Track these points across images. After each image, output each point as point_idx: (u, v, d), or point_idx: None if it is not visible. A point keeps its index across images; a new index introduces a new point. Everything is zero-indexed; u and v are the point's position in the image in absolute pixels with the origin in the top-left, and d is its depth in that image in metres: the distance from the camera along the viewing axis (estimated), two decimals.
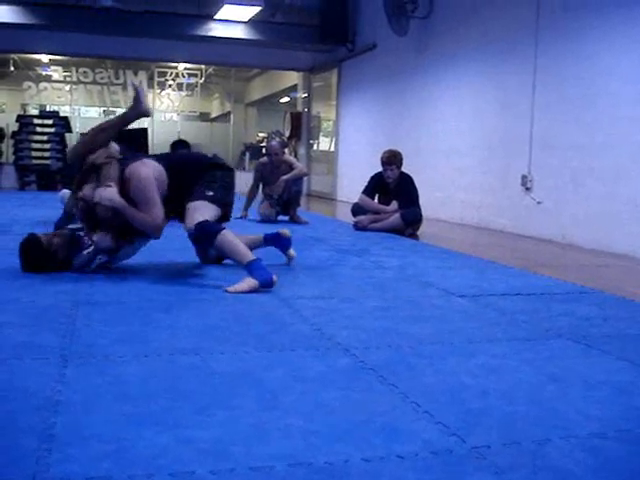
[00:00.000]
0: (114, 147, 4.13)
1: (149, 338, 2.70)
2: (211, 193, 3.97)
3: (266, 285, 3.68)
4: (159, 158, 4.16)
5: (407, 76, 10.26)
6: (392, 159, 6.96)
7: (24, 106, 16.43)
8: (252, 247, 4.16)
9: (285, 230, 4.53)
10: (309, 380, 2.23)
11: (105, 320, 2.96)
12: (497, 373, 2.39)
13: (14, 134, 13.09)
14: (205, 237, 3.87)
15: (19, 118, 13.37)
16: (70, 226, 4.17)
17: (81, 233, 3.97)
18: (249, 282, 3.67)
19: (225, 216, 4.18)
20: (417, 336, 2.86)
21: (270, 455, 1.67)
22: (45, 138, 13.21)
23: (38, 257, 3.91)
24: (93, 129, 4.17)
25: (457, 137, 8.82)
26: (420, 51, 9.83)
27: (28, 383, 2.12)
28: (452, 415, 1.97)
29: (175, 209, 4.04)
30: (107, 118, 12.80)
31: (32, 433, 1.74)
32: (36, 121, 13.53)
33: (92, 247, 3.93)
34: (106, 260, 4.01)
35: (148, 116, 4.38)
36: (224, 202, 4.08)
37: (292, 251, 4.56)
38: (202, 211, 3.88)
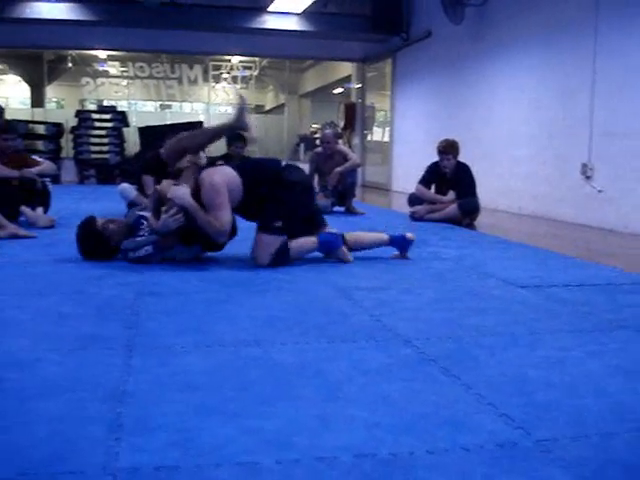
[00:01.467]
0: (202, 155, 4.33)
1: (211, 329, 2.73)
2: (279, 224, 4.10)
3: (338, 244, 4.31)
4: (239, 168, 4.21)
5: (463, 64, 10.14)
6: (448, 148, 6.89)
7: (82, 101, 16.77)
8: (375, 245, 4.52)
9: (410, 234, 4.59)
10: (371, 371, 2.23)
11: (168, 311, 3.01)
12: (561, 365, 2.35)
13: (73, 129, 13.32)
14: (281, 261, 4.14)
15: (78, 113, 13.59)
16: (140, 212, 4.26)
17: (144, 220, 4.05)
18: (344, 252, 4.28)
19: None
20: (478, 327, 2.83)
21: (334, 446, 1.68)
22: (103, 133, 13.42)
23: (90, 237, 4.03)
24: (188, 135, 4.36)
25: (515, 126, 8.69)
26: (476, 39, 9.70)
27: (95, 373, 2.17)
28: (516, 407, 1.94)
29: (245, 215, 4.29)
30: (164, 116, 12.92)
31: (101, 423, 1.78)
32: (94, 116, 13.75)
33: (144, 236, 4.00)
34: (150, 254, 4.07)
35: (246, 131, 4.46)
36: (292, 226, 4.19)
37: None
38: (268, 249, 4.10)
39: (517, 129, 8.62)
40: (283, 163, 4.39)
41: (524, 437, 1.75)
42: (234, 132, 4.42)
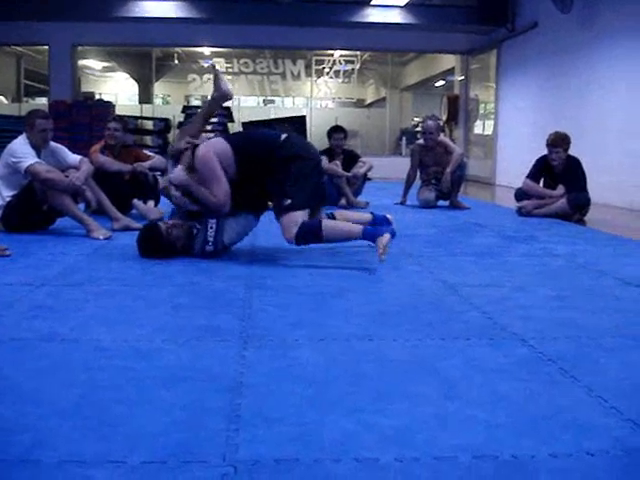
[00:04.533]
0: (202, 137, 4.28)
1: (323, 322, 2.74)
2: (289, 202, 3.87)
3: (392, 233, 3.87)
4: (229, 138, 4.16)
5: (571, 54, 9.83)
6: (558, 141, 6.68)
7: (187, 97, 17.18)
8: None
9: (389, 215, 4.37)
10: (488, 370, 2.18)
11: (279, 304, 3.04)
12: None
13: (180, 125, 13.64)
14: (312, 241, 3.93)
15: (185, 109, 13.91)
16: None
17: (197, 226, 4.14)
18: (382, 241, 3.73)
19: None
20: (596, 327, 2.74)
21: (454, 446, 1.65)
22: (209, 128, 13.67)
23: (157, 246, 4.08)
24: (188, 126, 4.41)
25: (628, 117, 8.35)
26: (585, 28, 9.38)
27: (211, 364, 2.21)
28: None
29: (250, 200, 4.13)
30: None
31: (220, 414, 1.81)
32: None
33: (199, 233, 4.07)
34: (214, 247, 4.06)
35: (230, 98, 4.38)
36: (307, 202, 3.96)
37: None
38: (291, 226, 3.86)
39: (631, 120, 8.29)
40: (282, 137, 4.08)
41: None
42: (219, 103, 4.34)
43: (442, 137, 7.76)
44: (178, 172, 3.99)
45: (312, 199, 4.02)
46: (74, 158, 5.28)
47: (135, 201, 5.93)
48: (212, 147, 3.99)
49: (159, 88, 16.92)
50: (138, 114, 14.64)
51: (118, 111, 12.80)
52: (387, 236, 3.77)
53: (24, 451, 1.58)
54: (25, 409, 1.82)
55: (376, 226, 4.06)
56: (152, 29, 12.97)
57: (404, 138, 15.79)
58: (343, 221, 4.17)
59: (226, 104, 14.15)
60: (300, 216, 3.87)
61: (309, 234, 3.88)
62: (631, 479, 1.52)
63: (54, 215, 5.20)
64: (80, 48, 14.32)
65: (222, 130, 13.46)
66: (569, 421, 1.81)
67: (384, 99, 17.28)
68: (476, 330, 2.67)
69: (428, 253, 4.48)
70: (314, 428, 1.73)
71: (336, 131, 7.84)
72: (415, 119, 17.34)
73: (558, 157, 6.66)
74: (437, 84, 17.95)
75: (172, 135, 13.98)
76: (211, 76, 15.96)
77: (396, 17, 12.69)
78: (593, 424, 1.79)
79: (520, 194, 6.99)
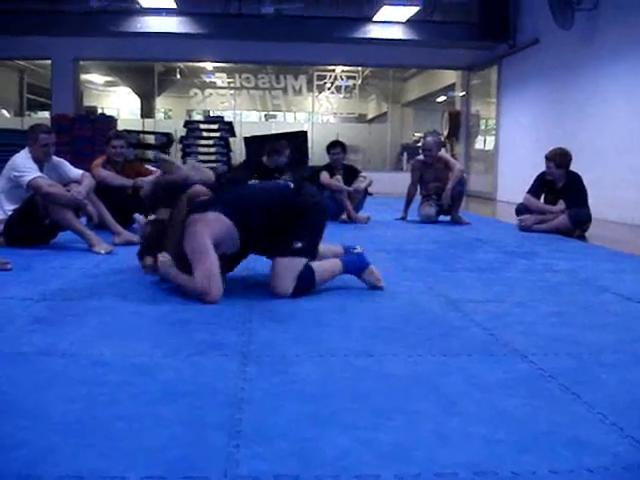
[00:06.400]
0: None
1: (323, 338, 2.74)
2: (299, 245, 3.48)
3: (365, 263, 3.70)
4: (228, 208, 3.50)
5: (572, 70, 9.87)
6: (553, 156, 6.72)
7: (189, 112, 17.26)
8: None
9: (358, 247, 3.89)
10: (488, 387, 2.18)
11: (279, 320, 3.04)
12: None
13: (182, 139, 13.68)
14: (305, 291, 3.52)
15: (187, 124, 13.95)
16: None
17: None
18: (374, 275, 3.69)
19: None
20: (597, 344, 2.73)
21: (454, 462, 1.65)
22: (211, 142, 13.72)
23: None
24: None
25: (629, 133, 8.37)
26: (586, 45, 9.42)
27: (212, 379, 2.21)
28: None
29: (255, 248, 3.72)
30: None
31: (220, 429, 1.81)
32: (202, 126, 14.05)
33: None
34: None
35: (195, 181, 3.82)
36: (313, 252, 3.64)
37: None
38: (290, 273, 3.46)
39: (631, 137, 8.31)
40: (291, 186, 3.71)
41: None
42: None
43: (442, 153, 7.78)
44: (164, 266, 3.53)
45: (316, 251, 3.71)
46: (76, 172, 5.30)
47: (136, 215, 5.92)
48: (211, 228, 3.40)
49: (161, 103, 17.01)
50: (140, 128, 14.71)
51: (120, 125, 12.84)
52: (372, 267, 3.70)
53: (23, 467, 1.58)
54: (24, 424, 1.81)
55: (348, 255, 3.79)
56: (154, 44, 13.04)
57: (405, 153, 15.85)
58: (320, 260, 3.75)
59: (227, 119, 14.28)
60: (300, 264, 3.49)
61: (305, 283, 3.52)
62: None
63: (56, 229, 5.21)
64: (82, 63, 14.40)
65: (223, 145, 13.51)
66: (569, 437, 1.80)
67: (385, 114, 17.35)
68: (477, 346, 2.66)
69: (429, 268, 4.48)
70: (314, 444, 1.73)
71: (334, 147, 7.86)
72: (416, 134, 17.40)
73: (550, 171, 6.69)
74: (438, 100, 18.02)
75: (174, 149, 14.03)
76: (213, 91, 15.95)
77: (398, 33, 12.77)
78: (593, 440, 1.79)
79: (521, 209, 7.01)
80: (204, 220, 3.40)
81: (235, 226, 3.44)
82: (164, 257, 3.52)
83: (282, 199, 3.60)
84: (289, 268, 3.48)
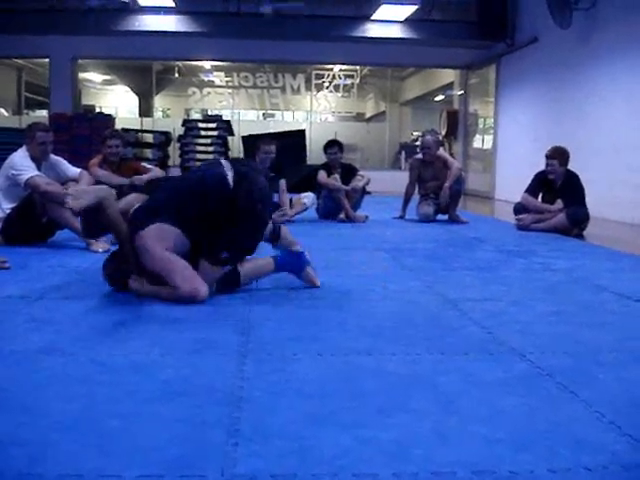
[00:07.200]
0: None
1: (322, 337, 2.74)
2: (226, 255, 3.50)
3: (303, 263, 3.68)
4: (165, 208, 3.44)
5: (571, 69, 9.86)
6: (554, 153, 6.72)
7: (187, 111, 17.25)
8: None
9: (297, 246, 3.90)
10: (486, 385, 2.18)
11: (277, 318, 3.04)
12: None
13: (180, 138, 13.66)
14: (228, 290, 3.54)
15: (185, 122, 13.94)
16: None
17: None
18: (310, 276, 3.69)
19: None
20: (595, 342, 2.73)
21: (452, 461, 1.65)
22: (209, 141, 13.70)
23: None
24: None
25: (627, 132, 8.37)
26: (584, 44, 9.42)
27: (210, 378, 2.21)
28: None
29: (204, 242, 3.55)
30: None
31: (219, 427, 1.81)
32: (200, 125, 14.04)
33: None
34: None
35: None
36: (242, 255, 3.61)
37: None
38: (207, 279, 3.40)
39: (630, 136, 8.30)
40: (230, 180, 3.45)
41: None
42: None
43: (440, 151, 7.77)
44: (136, 286, 3.44)
45: (244, 257, 3.65)
46: (74, 171, 5.30)
47: None
48: (160, 242, 3.34)
49: (159, 101, 16.99)
50: (138, 127, 14.68)
51: (118, 124, 12.82)
52: (308, 269, 3.69)
53: (23, 466, 1.58)
54: (23, 422, 1.82)
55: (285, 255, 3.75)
56: (153, 43, 13.02)
57: (403, 152, 15.83)
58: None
59: (225, 118, 14.27)
60: (221, 271, 3.51)
61: (228, 285, 3.54)
62: None
63: (53, 228, 5.21)
64: (81, 61, 14.37)
65: (222, 144, 13.50)
66: (567, 436, 1.80)
67: (384, 113, 17.34)
68: (475, 345, 2.67)
69: (427, 267, 4.49)
70: (312, 443, 1.73)
71: (331, 146, 7.83)
72: (414, 133, 17.39)
73: (552, 169, 6.69)
74: (436, 98, 18.01)
75: (172, 148, 14.02)
76: (211, 90, 15.96)
77: (396, 32, 12.75)
78: (591, 439, 1.79)
79: (519, 208, 7.01)
80: (149, 235, 3.34)
81: (179, 228, 3.37)
82: (133, 282, 3.45)
83: (217, 186, 3.44)
84: (209, 274, 3.45)
